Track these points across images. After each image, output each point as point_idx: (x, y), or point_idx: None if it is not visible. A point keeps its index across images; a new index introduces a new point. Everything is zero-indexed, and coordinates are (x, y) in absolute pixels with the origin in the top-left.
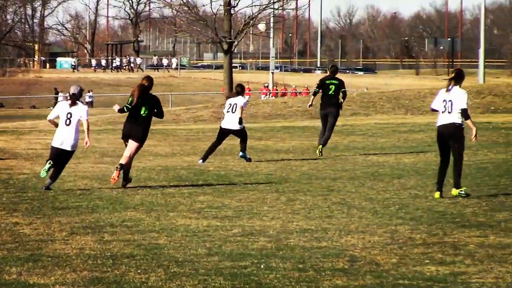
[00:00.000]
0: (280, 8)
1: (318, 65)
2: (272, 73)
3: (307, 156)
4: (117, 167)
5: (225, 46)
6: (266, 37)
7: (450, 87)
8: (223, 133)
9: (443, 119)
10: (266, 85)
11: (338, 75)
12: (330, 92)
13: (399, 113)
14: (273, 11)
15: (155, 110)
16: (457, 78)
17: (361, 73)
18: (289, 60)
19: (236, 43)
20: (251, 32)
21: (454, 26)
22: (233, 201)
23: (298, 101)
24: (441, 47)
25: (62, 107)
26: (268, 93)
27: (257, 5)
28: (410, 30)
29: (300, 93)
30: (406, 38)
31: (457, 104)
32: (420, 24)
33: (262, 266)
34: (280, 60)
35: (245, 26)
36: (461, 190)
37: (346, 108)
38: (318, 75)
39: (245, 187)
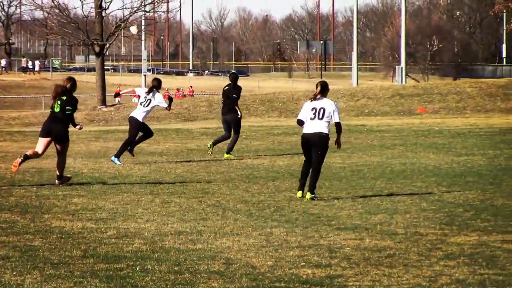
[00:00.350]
0: (152, 10)
1: (190, 68)
2: (145, 75)
3: (181, 158)
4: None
5: (97, 49)
6: (138, 40)
7: (318, 98)
8: (129, 122)
9: (311, 127)
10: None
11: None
12: (228, 98)
13: (273, 116)
14: (145, 14)
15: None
16: (323, 91)
17: None
18: (161, 62)
19: (107, 45)
20: (122, 35)
21: (326, 28)
22: (108, 203)
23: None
24: (314, 50)
25: None
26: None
27: (129, 8)
28: (282, 32)
29: (174, 95)
30: (278, 41)
31: (329, 113)
32: (292, 27)
33: (137, 269)
34: (152, 62)
35: (116, 29)
36: (315, 196)
37: (218, 111)
38: (191, 77)
39: (119, 189)
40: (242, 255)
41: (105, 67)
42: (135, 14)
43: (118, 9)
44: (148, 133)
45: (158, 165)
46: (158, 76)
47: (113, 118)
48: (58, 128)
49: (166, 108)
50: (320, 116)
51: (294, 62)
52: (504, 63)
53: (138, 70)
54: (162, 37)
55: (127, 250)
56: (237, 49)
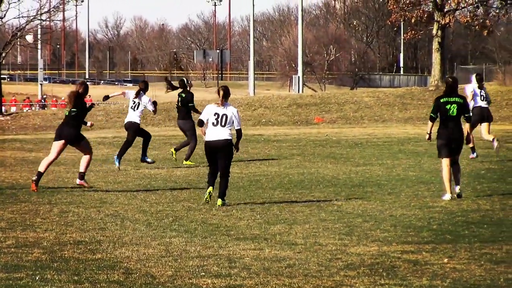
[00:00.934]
0: (48, 19)
1: (87, 77)
2: (41, 84)
3: (78, 167)
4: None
5: None
6: (34, 49)
7: (223, 104)
8: (125, 129)
9: (214, 134)
10: (28, 97)
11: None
12: (180, 105)
13: (170, 125)
14: (41, 23)
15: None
16: (226, 95)
17: (130, 85)
18: (57, 71)
19: (4, 54)
20: (19, 44)
21: (223, 37)
22: (6, 212)
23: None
24: (210, 59)
25: None
26: (32, 105)
27: (25, 17)
28: (179, 42)
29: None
30: (175, 50)
31: (230, 120)
32: (189, 36)
33: (37, 278)
34: (49, 71)
35: (13, 38)
36: (225, 202)
37: (116, 120)
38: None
39: (17, 199)
40: (141, 265)
41: (1, 76)
42: (32, 22)
43: (14, 18)
44: (147, 136)
45: (55, 175)
46: (55, 85)
47: (10, 127)
48: (67, 130)
49: (153, 111)
50: (223, 123)
51: (191, 71)
52: (402, 73)
53: (34, 79)
54: (58, 46)
55: (26, 259)
56: (133, 58)
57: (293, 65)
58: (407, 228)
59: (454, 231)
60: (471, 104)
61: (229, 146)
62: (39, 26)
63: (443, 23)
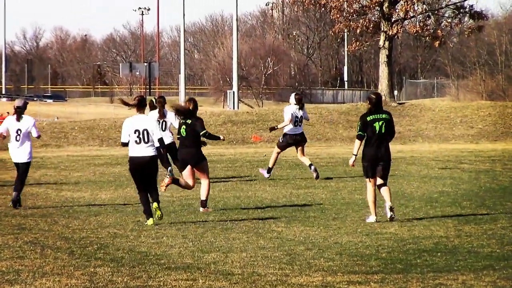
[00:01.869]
0: None
1: (3, 92)
2: None
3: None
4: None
5: None
6: None
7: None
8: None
9: (138, 151)
10: None
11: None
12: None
13: (94, 145)
14: None
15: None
16: (140, 106)
17: (50, 100)
18: None
19: None
20: None
21: (151, 49)
22: None
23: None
24: (137, 73)
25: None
26: None
27: None
28: (103, 54)
29: None
30: (99, 63)
31: (155, 133)
32: (114, 48)
33: None
34: None
35: None
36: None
37: (45, 141)
38: (4, 103)
39: None
40: None
41: None
42: None
43: None
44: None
45: None
46: None
47: None
48: (189, 152)
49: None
50: (146, 140)
51: (116, 86)
52: (346, 87)
53: None
54: None
55: None
56: (53, 72)
57: (228, 79)
58: (354, 257)
59: (405, 259)
60: (289, 127)
61: (153, 162)
62: None
63: (390, 33)
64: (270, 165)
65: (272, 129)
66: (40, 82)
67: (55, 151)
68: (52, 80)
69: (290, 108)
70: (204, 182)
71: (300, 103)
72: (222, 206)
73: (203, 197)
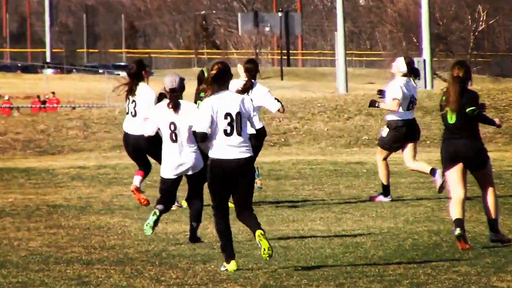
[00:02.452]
0: None
1: (48, 60)
2: None
3: (37, 219)
4: None
5: None
6: None
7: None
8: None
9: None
10: None
11: None
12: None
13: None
14: None
15: None
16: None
17: (124, 74)
18: None
19: None
20: None
21: None
22: None
23: None
24: (267, 29)
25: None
26: None
27: None
28: None
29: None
30: (203, 13)
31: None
32: None
33: None
34: None
35: None
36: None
37: (99, 136)
38: (49, 77)
39: None
40: None
41: None
42: None
43: None
44: None
45: None
46: None
47: None
48: (468, 145)
49: None
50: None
51: (233, 50)
52: None
53: None
54: None
55: None
56: (129, 27)
57: (414, 40)
58: None
59: None
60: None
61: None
62: None
63: None
64: (384, 182)
65: (373, 104)
66: (108, 44)
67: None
68: (127, 40)
69: (398, 82)
70: (491, 193)
71: (414, 72)
72: None
73: (492, 215)
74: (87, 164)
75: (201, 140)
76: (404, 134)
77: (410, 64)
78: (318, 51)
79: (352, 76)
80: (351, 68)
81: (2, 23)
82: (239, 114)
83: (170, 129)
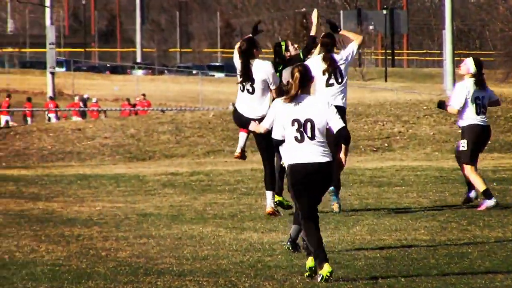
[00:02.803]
0: None
1: (138, 60)
2: (52, 73)
3: (126, 228)
4: None
5: None
6: (38, 7)
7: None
8: None
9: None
10: (29, 98)
11: None
12: None
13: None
14: None
15: None
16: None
17: (221, 74)
18: (83, 49)
19: None
20: None
21: None
22: None
23: None
24: (371, 27)
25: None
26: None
27: None
28: None
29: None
30: (304, 10)
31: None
32: None
33: None
34: (67, 49)
35: None
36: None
37: (192, 141)
38: (139, 78)
39: None
40: None
41: None
42: None
43: None
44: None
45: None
46: (79, 76)
47: None
48: None
49: None
50: (309, 134)
51: (336, 50)
52: None
53: (39, 64)
54: (83, 1)
55: None
56: (225, 24)
57: None
58: None
59: None
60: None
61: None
62: None
63: None
64: (480, 189)
65: (441, 105)
66: (203, 43)
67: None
68: (223, 39)
69: (466, 84)
70: None
71: (480, 74)
72: None
73: None
74: (179, 170)
75: (277, 145)
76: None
77: (479, 65)
78: (425, 51)
79: (460, 77)
80: (459, 69)
81: (91, 21)
82: (309, 120)
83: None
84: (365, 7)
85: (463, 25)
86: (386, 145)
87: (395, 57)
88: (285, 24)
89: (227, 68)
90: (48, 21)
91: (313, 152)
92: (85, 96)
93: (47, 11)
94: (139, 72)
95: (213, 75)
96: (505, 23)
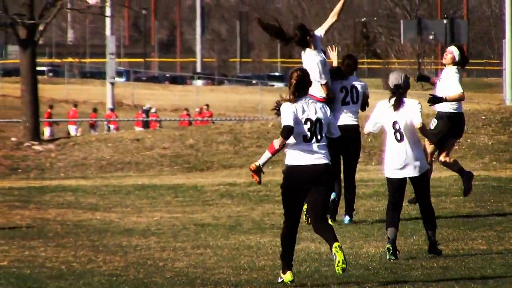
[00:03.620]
0: None
1: (198, 70)
2: (112, 84)
3: (184, 238)
4: None
5: (23, 33)
6: (98, 17)
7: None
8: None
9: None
10: (95, 109)
11: None
12: None
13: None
14: None
15: None
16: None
17: (280, 84)
18: (143, 59)
19: (42, 27)
20: (69, 7)
21: None
22: None
23: None
24: (431, 37)
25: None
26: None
27: None
28: (372, 3)
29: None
30: (364, 19)
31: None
32: None
33: None
34: (127, 59)
35: None
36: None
37: (251, 151)
38: (199, 88)
39: None
40: None
41: (38, 68)
42: None
43: None
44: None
45: None
46: (138, 86)
47: (54, 164)
48: None
49: None
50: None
51: (394, 60)
52: None
53: (99, 74)
54: (144, 12)
55: None
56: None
57: None
58: None
59: None
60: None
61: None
62: None
63: None
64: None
65: (436, 100)
66: (263, 53)
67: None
68: (283, 49)
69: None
70: None
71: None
72: None
73: None
74: (237, 181)
75: (287, 134)
76: (450, 127)
77: (462, 52)
78: (484, 60)
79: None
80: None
81: (151, 31)
82: (319, 120)
83: (394, 128)
84: (425, 16)
85: None
86: None
87: None
88: (345, 33)
89: (287, 78)
90: (108, 31)
91: (316, 154)
92: (147, 106)
93: (108, 21)
94: (199, 82)
95: (273, 85)
96: None
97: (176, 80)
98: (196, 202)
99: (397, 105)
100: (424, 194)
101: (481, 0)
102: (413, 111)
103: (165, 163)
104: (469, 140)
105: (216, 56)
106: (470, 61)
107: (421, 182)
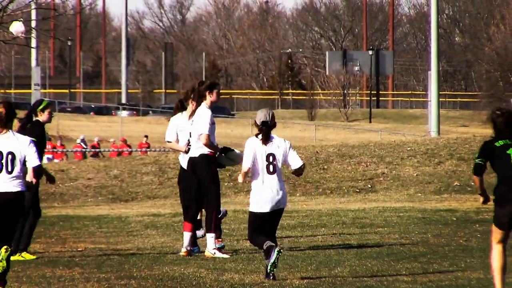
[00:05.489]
0: None
1: (123, 100)
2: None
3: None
4: None
5: None
6: (23, 48)
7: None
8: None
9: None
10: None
11: None
12: None
13: None
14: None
15: None
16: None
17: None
18: (68, 90)
19: None
20: None
21: (379, 27)
22: None
23: None
24: (356, 68)
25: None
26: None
27: None
28: (296, 34)
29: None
30: (290, 51)
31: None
32: (315, 23)
33: None
34: (52, 90)
35: None
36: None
37: (174, 182)
38: (124, 119)
39: None
40: None
41: None
42: None
43: None
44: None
45: None
46: (63, 117)
47: None
48: None
49: None
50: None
51: (319, 91)
52: None
53: (24, 105)
54: (69, 43)
55: None
56: (211, 65)
57: None
58: None
59: None
60: None
61: None
62: (32, 5)
63: None
64: None
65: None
66: (188, 84)
67: None
68: (208, 79)
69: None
70: None
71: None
72: None
73: None
74: (161, 211)
75: None
76: None
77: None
78: (410, 92)
79: (445, 118)
80: (444, 110)
81: (76, 62)
82: (10, 153)
83: (268, 160)
84: (350, 48)
85: (448, 66)
86: (369, 186)
87: (380, 98)
88: (270, 64)
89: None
90: (33, 62)
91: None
92: (82, 136)
93: (33, 52)
94: (124, 113)
95: None
96: (491, 64)
97: (101, 111)
98: (120, 233)
99: (265, 140)
100: (276, 226)
101: (407, 31)
102: (290, 153)
103: (89, 193)
104: (394, 172)
105: (141, 87)
106: (395, 92)
107: (280, 215)
